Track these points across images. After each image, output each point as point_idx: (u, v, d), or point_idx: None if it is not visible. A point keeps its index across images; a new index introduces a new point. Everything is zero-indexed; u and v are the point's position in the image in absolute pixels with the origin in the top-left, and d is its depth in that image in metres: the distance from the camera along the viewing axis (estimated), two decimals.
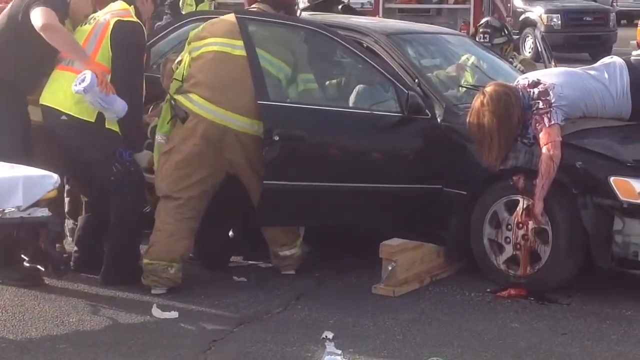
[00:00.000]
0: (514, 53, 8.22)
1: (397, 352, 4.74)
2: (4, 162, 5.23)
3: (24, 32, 5.50)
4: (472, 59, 6.73)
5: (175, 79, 5.66)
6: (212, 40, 5.62)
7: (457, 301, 5.54)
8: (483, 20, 8.44)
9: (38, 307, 5.22)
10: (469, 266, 5.92)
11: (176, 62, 5.76)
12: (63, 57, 5.55)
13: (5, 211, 4.92)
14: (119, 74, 5.43)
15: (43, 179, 5.04)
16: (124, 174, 5.48)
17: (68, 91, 5.39)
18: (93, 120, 5.40)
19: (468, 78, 6.53)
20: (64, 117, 5.43)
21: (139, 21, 5.59)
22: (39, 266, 5.51)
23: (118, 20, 5.46)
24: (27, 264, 5.59)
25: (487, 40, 7.96)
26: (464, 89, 6.32)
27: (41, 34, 5.38)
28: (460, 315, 5.30)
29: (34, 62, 5.57)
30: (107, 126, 5.43)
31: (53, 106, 5.47)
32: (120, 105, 5.41)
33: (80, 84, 5.28)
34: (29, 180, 4.97)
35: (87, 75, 5.28)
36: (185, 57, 5.68)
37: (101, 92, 5.32)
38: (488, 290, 5.65)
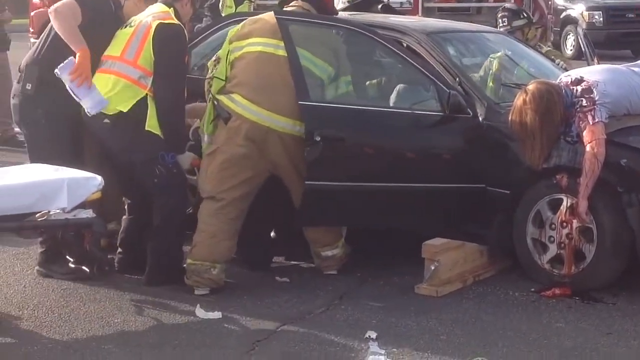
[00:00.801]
0: (540, 44, 8.11)
1: (440, 352, 4.72)
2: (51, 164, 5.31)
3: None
4: (499, 54, 6.65)
5: (217, 77, 5.67)
6: (254, 40, 5.64)
7: (501, 301, 5.50)
8: (501, 7, 8.40)
9: (83, 307, 5.27)
10: (512, 266, 5.89)
11: (213, 59, 5.76)
12: (103, 60, 5.58)
13: (51, 213, 4.97)
14: (162, 76, 5.46)
15: (87, 181, 5.09)
16: (167, 176, 5.51)
17: (109, 94, 5.44)
18: (126, 110, 5.41)
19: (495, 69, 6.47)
20: (106, 120, 5.47)
21: (180, 23, 5.62)
22: (83, 267, 5.60)
23: (160, 23, 5.49)
24: (72, 265, 5.67)
25: (506, 23, 7.90)
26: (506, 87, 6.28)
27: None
28: (504, 315, 5.26)
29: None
30: (146, 129, 5.45)
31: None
32: (91, 102, 5.45)
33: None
34: (74, 182, 5.01)
35: (69, 59, 5.38)
36: (225, 55, 5.69)
37: (72, 81, 5.38)
38: (532, 289, 5.61)
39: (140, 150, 5.49)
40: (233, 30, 5.81)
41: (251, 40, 5.65)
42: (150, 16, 5.56)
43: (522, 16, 8.00)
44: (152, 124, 5.47)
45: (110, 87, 5.47)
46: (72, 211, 5.00)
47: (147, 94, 5.46)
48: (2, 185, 4.93)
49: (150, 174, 5.50)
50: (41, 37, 5.88)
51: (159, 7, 5.64)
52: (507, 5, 8.43)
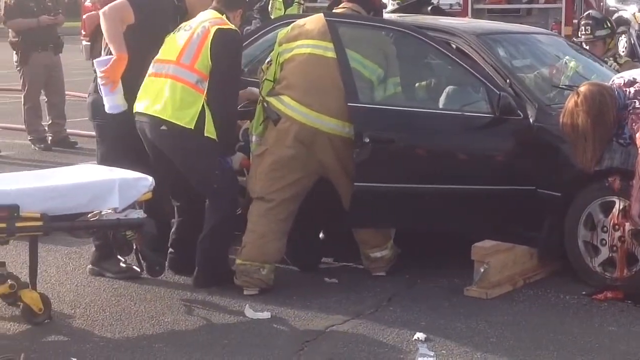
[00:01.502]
0: (619, 55, 7.99)
1: (490, 355, 4.69)
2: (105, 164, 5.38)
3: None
4: (572, 62, 6.59)
5: (267, 79, 5.71)
6: (304, 42, 5.66)
7: (552, 304, 5.46)
8: (585, 13, 8.27)
9: (134, 307, 5.32)
10: (563, 268, 5.84)
11: (266, 62, 5.80)
12: (156, 64, 5.61)
13: (102, 213, 5.03)
14: (218, 80, 5.47)
15: (138, 182, 5.14)
16: (225, 181, 5.55)
17: (168, 99, 5.45)
18: (192, 128, 5.43)
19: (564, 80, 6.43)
20: (163, 127, 5.47)
21: (237, 29, 5.66)
22: (134, 267, 5.66)
23: (219, 28, 5.51)
24: (123, 265, 5.74)
25: (589, 32, 7.79)
26: (557, 89, 6.22)
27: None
28: (555, 318, 5.22)
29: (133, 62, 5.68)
30: (205, 134, 5.46)
31: (152, 114, 5.50)
32: (110, 103, 5.59)
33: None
34: (125, 183, 5.07)
35: (109, 57, 5.55)
36: (275, 57, 5.72)
37: (100, 78, 5.53)
38: (583, 293, 5.56)
39: (201, 157, 5.51)
40: (282, 32, 5.84)
41: (300, 42, 5.67)
42: (207, 22, 5.57)
43: (605, 26, 7.90)
44: (210, 129, 5.46)
45: (169, 93, 5.47)
46: (124, 211, 5.06)
47: (204, 99, 5.46)
48: (55, 186, 5.00)
49: (210, 179, 5.54)
50: None
51: (212, 14, 5.66)
52: (592, 12, 8.28)
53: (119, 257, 5.79)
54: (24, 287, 4.99)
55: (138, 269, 5.63)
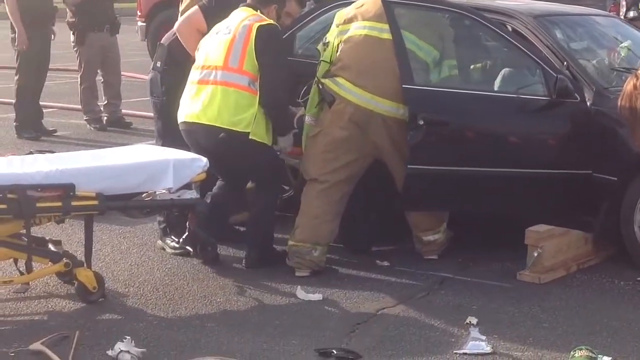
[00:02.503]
0: None
1: (543, 340, 4.65)
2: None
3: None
4: (627, 43, 6.49)
5: (323, 60, 5.70)
6: (360, 24, 5.64)
7: (606, 289, 5.40)
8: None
9: (187, 286, 5.37)
10: (618, 254, 5.76)
11: (322, 43, 5.78)
12: (200, 71, 5.56)
13: (157, 193, 5.07)
14: (267, 73, 5.44)
15: (193, 162, 5.16)
16: (274, 167, 5.64)
17: (222, 106, 5.43)
18: (250, 131, 5.41)
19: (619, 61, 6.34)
20: (222, 135, 5.43)
21: (276, 23, 5.64)
22: (187, 247, 5.70)
23: (260, 25, 5.48)
24: (176, 245, 5.78)
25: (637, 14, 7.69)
26: (615, 71, 6.13)
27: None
28: (609, 304, 5.16)
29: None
30: (251, 137, 5.44)
31: (206, 123, 5.46)
32: None
33: None
34: (180, 163, 5.09)
35: None
36: (333, 39, 5.70)
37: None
38: (638, 279, 5.48)
39: (256, 156, 5.52)
40: (341, 14, 5.81)
41: (357, 24, 5.65)
42: (247, 20, 5.54)
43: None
44: (257, 132, 5.44)
45: (222, 100, 5.44)
46: (177, 192, 5.09)
47: (258, 100, 5.45)
48: (111, 165, 5.05)
49: (262, 170, 5.59)
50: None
51: (249, 11, 5.62)
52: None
53: (172, 237, 5.85)
54: (79, 266, 5.05)
55: (190, 249, 5.67)
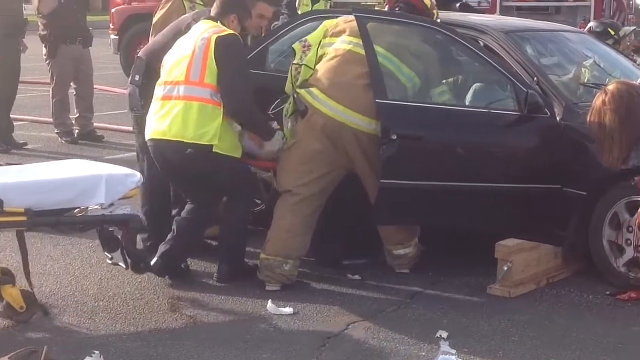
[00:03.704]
0: (632, 54, 8.00)
1: (512, 354, 4.67)
2: None
3: None
4: (592, 60, 6.56)
5: (306, 65, 5.71)
6: (347, 39, 5.67)
7: (575, 303, 5.43)
8: (587, 27, 8.29)
9: (157, 300, 5.34)
10: (587, 268, 5.80)
11: (301, 44, 5.76)
12: (163, 86, 5.55)
13: (88, 209, 4.98)
14: (229, 82, 5.42)
15: (126, 177, 5.07)
16: (246, 181, 5.64)
17: (186, 120, 5.39)
18: (217, 142, 5.39)
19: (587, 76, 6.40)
20: (189, 150, 5.40)
21: (235, 33, 5.61)
22: (120, 263, 5.55)
23: (218, 36, 5.47)
24: (110, 262, 5.68)
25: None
26: (584, 87, 6.19)
27: None
28: (578, 317, 5.19)
29: None
30: (215, 150, 5.41)
31: (172, 139, 5.42)
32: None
33: None
34: (112, 178, 5.00)
35: None
36: (317, 44, 5.71)
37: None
38: (607, 292, 5.52)
39: (226, 170, 5.51)
40: (331, 23, 5.82)
41: (343, 38, 5.69)
42: (205, 32, 5.53)
43: (609, 36, 7.90)
44: (220, 146, 5.41)
45: (186, 114, 5.40)
46: (110, 207, 4.99)
47: (222, 111, 5.42)
48: (41, 181, 4.94)
49: (233, 184, 5.58)
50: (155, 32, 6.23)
51: (208, 24, 5.62)
52: (593, 26, 8.28)
53: (105, 253, 5.67)
54: (5, 283, 4.90)
55: (124, 265, 5.56)
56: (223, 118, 5.42)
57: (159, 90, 5.57)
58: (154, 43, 6.10)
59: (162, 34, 6.11)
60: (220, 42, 5.46)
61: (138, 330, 4.91)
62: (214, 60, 5.43)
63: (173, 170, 5.58)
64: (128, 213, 5.08)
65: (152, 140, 5.56)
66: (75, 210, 4.97)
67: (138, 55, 6.17)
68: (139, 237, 5.68)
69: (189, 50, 5.51)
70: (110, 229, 5.11)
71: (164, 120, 5.48)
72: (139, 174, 5.12)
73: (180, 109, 5.43)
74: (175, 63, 5.55)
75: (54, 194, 4.86)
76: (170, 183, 5.84)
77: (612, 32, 8.03)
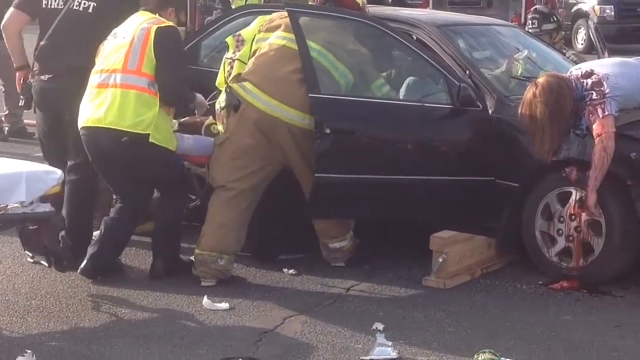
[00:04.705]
0: (565, 47, 8.17)
1: (448, 344, 4.71)
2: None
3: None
4: (526, 52, 6.65)
5: (239, 60, 5.68)
6: (281, 34, 5.65)
7: (509, 293, 5.50)
8: (532, 7, 8.44)
9: (91, 298, 5.28)
10: (520, 258, 5.88)
11: (235, 39, 5.74)
12: (99, 74, 5.49)
13: (8, 207, 4.85)
14: (166, 73, 5.41)
15: (47, 175, 4.97)
16: (179, 175, 5.61)
17: (122, 108, 5.35)
18: (152, 132, 5.36)
19: (519, 70, 6.48)
20: (125, 138, 5.35)
21: (174, 25, 5.61)
22: (42, 261, 5.49)
23: (158, 27, 5.46)
24: (31, 260, 5.60)
25: (536, 26, 7.93)
26: (516, 80, 6.26)
27: None
28: (511, 307, 5.26)
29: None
30: (150, 140, 5.37)
31: (108, 127, 5.38)
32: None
33: None
34: (33, 176, 4.89)
35: None
36: (250, 39, 5.69)
37: None
38: (540, 282, 5.60)
39: (160, 161, 5.48)
40: (264, 19, 5.80)
41: (278, 34, 5.66)
42: (145, 23, 5.51)
43: (552, 20, 8.06)
44: (156, 136, 5.39)
45: (123, 102, 5.37)
46: (31, 205, 4.88)
47: (158, 101, 5.40)
48: None
49: (167, 178, 5.55)
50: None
51: (146, 15, 5.59)
52: (539, 7, 8.48)
53: (26, 252, 5.61)
54: None
55: (46, 264, 5.44)
56: (160, 109, 5.40)
57: (94, 78, 5.52)
58: None
59: None
60: (161, 33, 5.45)
61: (71, 328, 4.85)
62: (152, 51, 5.41)
63: (105, 160, 5.50)
64: (49, 211, 4.98)
65: (86, 128, 5.49)
66: None
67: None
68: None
69: (127, 39, 5.48)
70: (31, 227, 5.01)
71: (99, 108, 5.42)
72: (59, 172, 5.02)
73: (117, 96, 5.39)
74: (112, 51, 5.51)
75: None
76: (100, 175, 5.74)
77: (555, 18, 8.17)
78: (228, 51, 5.75)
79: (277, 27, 5.70)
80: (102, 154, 5.47)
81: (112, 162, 5.49)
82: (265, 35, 5.71)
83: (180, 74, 5.52)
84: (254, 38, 5.72)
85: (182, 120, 5.95)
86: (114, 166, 5.52)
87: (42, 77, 5.80)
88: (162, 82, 5.40)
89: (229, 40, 5.79)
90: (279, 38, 5.65)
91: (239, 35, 5.79)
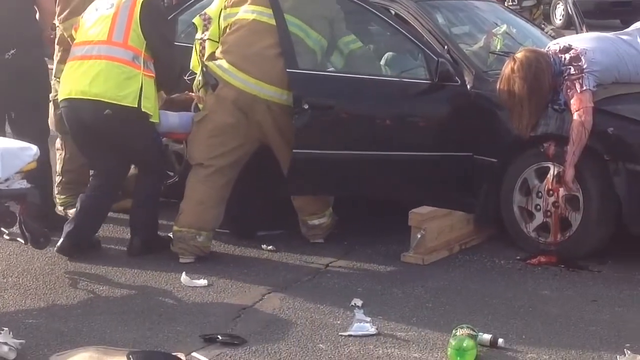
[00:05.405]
0: (544, 23, 8.20)
1: (426, 320, 4.72)
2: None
3: None
4: (504, 27, 6.64)
5: (210, 39, 5.64)
6: (249, 8, 5.61)
7: (487, 269, 5.51)
8: None
9: (68, 275, 5.25)
10: (498, 234, 5.89)
11: (202, 18, 5.70)
12: (82, 46, 5.46)
13: None
14: (159, 45, 5.42)
15: (22, 151, 4.90)
16: (158, 152, 5.60)
17: (107, 80, 5.32)
18: (136, 106, 5.33)
19: (498, 45, 6.47)
20: (108, 111, 5.32)
21: None
22: (18, 239, 5.43)
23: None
24: (7, 237, 5.54)
25: (516, 3, 7.95)
26: (494, 55, 6.25)
27: None
28: (489, 282, 5.27)
29: None
30: (143, 110, 5.36)
31: (92, 99, 5.34)
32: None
33: None
34: (8, 152, 4.82)
35: None
36: (217, 17, 5.65)
37: None
38: (518, 257, 5.62)
39: (142, 135, 5.46)
40: None
41: (246, 7, 5.61)
42: None
43: None
44: (146, 105, 5.37)
45: (107, 74, 5.34)
46: (6, 182, 4.82)
47: (142, 75, 5.36)
48: None
49: (147, 154, 5.52)
50: None
51: None
52: None
53: (2, 229, 5.56)
54: None
55: (22, 241, 5.38)
56: (154, 82, 5.40)
57: (77, 50, 5.48)
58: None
59: None
60: (147, 4, 5.41)
61: (49, 305, 4.83)
62: (138, 23, 5.37)
63: (86, 132, 5.47)
64: (25, 187, 4.92)
65: (68, 100, 5.45)
66: None
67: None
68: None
69: (112, 10, 5.43)
70: (6, 204, 4.96)
71: (83, 80, 5.39)
72: (35, 148, 4.96)
73: (101, 68, 5.35)
74: (96, 22, 5.47)
75: None
76: (78, 148, 5.70)
77: None
78: (197, 32, 5.71)
79: (244, 1, 5.65)
80: (84, 126, 5.44)
81: (93, 135, 5.45)
82: (232, 11, 5.66)
83: (172, 52, 5.52)
84: (220, 14, 5.67)
85: (173, 96, 5.90)
86: (94, 139, 5.48)
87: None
88: (159, 66, 5.40)
89: (196, 20, 5.75)
90: (248, 12, 5.60)
91: (205, 14, 5.75)
